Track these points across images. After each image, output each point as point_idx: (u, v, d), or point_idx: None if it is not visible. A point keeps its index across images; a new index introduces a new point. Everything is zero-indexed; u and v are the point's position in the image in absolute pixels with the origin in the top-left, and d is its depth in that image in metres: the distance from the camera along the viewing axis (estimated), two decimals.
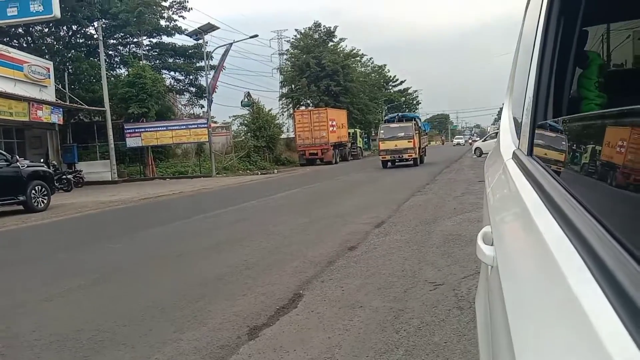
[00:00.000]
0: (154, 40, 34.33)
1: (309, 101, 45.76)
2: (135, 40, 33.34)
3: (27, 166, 13.51)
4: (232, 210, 11.55)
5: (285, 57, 53.05)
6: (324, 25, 46.94)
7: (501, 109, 2.92)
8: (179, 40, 35.18)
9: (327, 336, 3.47)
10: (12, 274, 6.17)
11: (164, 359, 3.27)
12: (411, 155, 24.06)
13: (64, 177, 20.81)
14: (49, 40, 31.45)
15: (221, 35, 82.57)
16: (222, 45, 29.82)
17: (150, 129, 27.49)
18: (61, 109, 23.28)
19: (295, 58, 46.62)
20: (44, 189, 13.62)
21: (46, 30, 30.65)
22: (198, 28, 29.03)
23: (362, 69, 57.07)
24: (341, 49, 47.75)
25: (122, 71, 33.17)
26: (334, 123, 36.08)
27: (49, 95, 23.16)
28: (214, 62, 31.93)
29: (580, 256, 0.60)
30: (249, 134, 35.16)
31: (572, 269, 0.59)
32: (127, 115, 27.45)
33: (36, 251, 7.94)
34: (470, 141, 71.33)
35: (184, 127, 28.39)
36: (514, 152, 1.51)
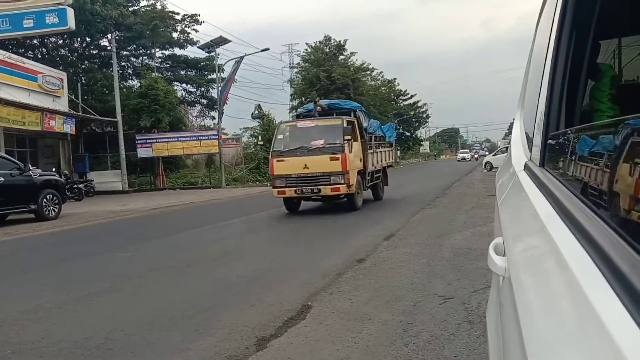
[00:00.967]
0: (167, 53, 34.85)
1: None
2: (148, 52, 33.76)
3: (39, 175, 13.66)
4: (242, 221, 11.57)
5: (295, 70, 53.39)
6: (335, 39, 47.23)
7: (511, 123, 2.91)
8: (191, 52, 35.63)
9: (336, 348, 3.45)
10: (22, 281, 6.20)
11: None
12: (337, 189, 11.39)
13: (75, 186, 21.03)
14: (63, 51, 31.97)
15: (233, 49, 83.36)
16: (234, 58, 30.08)
17: (162, 140, 27.70)
18: (74, 119, 23.56)
19: (306, 71, 46.88)
20: (55, 198, 13.75)
21: (60, 41, 31.14)
22: (210, 41, 29.36)
23: (372, 83, 57.22)
24: (351, 62, 47.94)
25: (135, 82, 33.62)
26: None
27: (62, 105, 23.47)
28: (225, 74, 32.22)
29: (597, 267, 0.58)
30: (259, 145, 35.31)
31: (589, 280, 0.58)
32: (139, 126, 27.70)
33: (47, 259, 7.98)
34: (476, 156, 69.36)
35: (195, 138, 28.59)
36: (525, 163, 1.51)
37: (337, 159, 11.35)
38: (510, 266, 1.06)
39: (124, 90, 30.56)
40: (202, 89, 36.40)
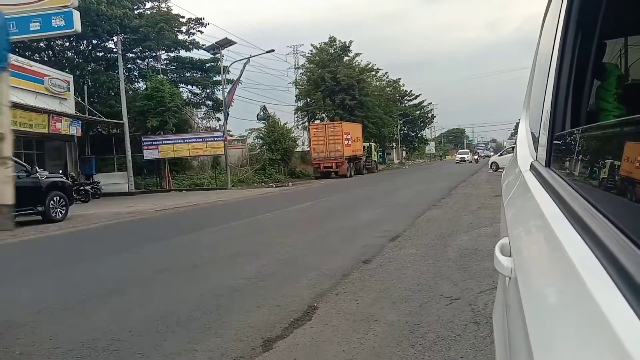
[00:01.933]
0: (172, 55, 34.92)
1: (324, 115, 45.92)
2: (153, 54, 33.90)
3: (46, 177, 13.75)
4: (248, 222, 11.59)
5: (300, 71, 53.46)
6: (339, 40, 47.25)
7: (517, 123, 2.91)
8: (197, 54, 35.76)
9: (342, 349, 3.45)
10: (30, 283, 6.24)
11: None
12: None
13: (82, 188, 21.15)
14: (69, 53, 32.17)
15: (238, 50, 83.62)
16: (239, 60, 30.26)
17: (168, 142, 27.83)
18: (80, 122, 23.69)
19: (311, 72, 46.92)
20: (62, 200, 13.82)
21: (67, 44, 31.34)
22: (215, 43, 29.45)
23: (377, 83, 57.22)
24: (356, 63, 47.94)
25: (141, 85, 33.77)
26: (349, 137, 36.16)
27: (69, 107, 23.61)
28: (231, 76, 32.35)
29: (603, 267, 0.58)
30: (264, 147, 35.40)
31: (595, 281, 0.58)
32: (145, 128, 27.83)
33: (54, 261, 8.03)
34: (476, 157, 59.50)
35: (201, 140, 28.70)
36: (531, 163, 1.51)
37: None
38: (517, 267, 1.05)
39: (130, 92, 30.71)
40: (208, 90, 36.53)
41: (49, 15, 20.52)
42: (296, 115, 49.53)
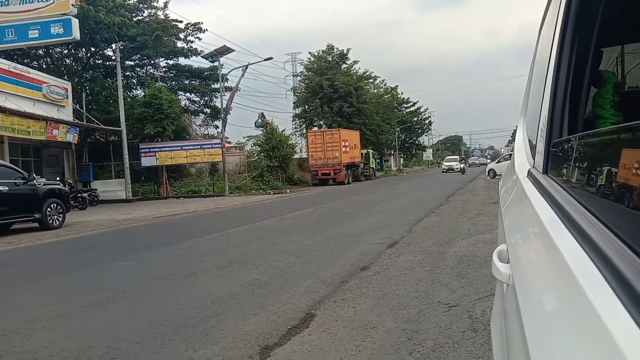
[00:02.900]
0: (171, 62, 35.02)
1: (322, 122, 46.03)
2: (152, 62, 33.97)
3: (44, 184, 13.73)
4: (245, 229, 11.56)
5: (299, 78, 53.61)
6: (337, 48, 47.43)
7: (515, 130, 2.91)
8: (195, 62, 35.85)
9: (340, 357, 3.43)
10: (26, 290, 6.21)
11: None
12: None
13: (79, 195, 21.11)
14: (67, 61, 32.21)
15: (236, 58, 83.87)
16: (237, 68, 30.29)
17: (165, 149, 27.82)
18: (77, 129, 23.68)
19: (309, 80, 47.05)
20: (59, 207, 13.79)
21: (65, 51, 31.36)
22: (214, 50, 29.53)
23: (375, 91, 57.39)
24: (354, 71, 48.11)
25: (139, 92, 33.79)
26: (347, 144, 36.22)
27: (67, 115, 23.61)
28: (229, 83, 32.40)
29: (600, 273, 0.58)
30: (262, 154, 35.41)
31: (593, 287, 0.58)
32: (143, 135, 27.82)
33: (50, 268, 8.00)
34: (463, 166, 46.51)
35: (199, 147, 28.69)
36: (529, 170, 1.51)
37: None
38: (514, 273, 1.05)
39: (128, 99, 30.72)
40: (206, 98, 36.59)
41: (47, 22, 20.62)
42: (294, 123, 49.64)
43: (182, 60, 34.89)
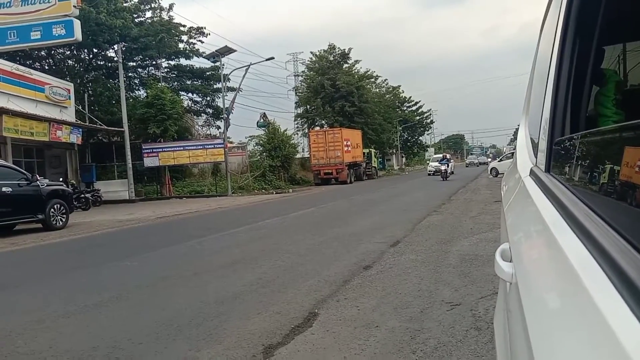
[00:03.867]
0: (173, 63, 35.07)
1: (323, 121, 46.00)
2: (154, 62, 34.01)
3: (47, 185, 13.77)
4: (248, 229, 11.57)
5: (300, 78, 53.60)
6: (339, 47, 47.38)
7: (517, 129, 2.91)
8: (197, 62, 35.86)
9: (343, 356, 3.44)
10: (30, 291, 6.23)
11: None
12: None
13: (83, 196, 21.16)
14: (70, 62, 32.26)
15: (238, 58, 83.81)
16: (239, 68, 30.40)
17: (168, 149, 27.87)
18: (80, 130, 23.73)
19: (310, 79, 47.01)
20: (62, 208, 13.83)
21: (68, 52, 31.42)
22: (216, 51, 29.55)
23: (377, 90, 57.32)
24: (356, 70, 48.07)
25: (141, 92, 33.84)
26: (349, 143, 36.22)
27: (69, 116, 23.66)
28: (231, 84, 32.43)
29: (603, 271, 0.58)
30: (264, 153, 35.45)
31: (596, 285, 0.58)
32: (146, 135, 27.87)
33: (54, 268, 8.02)
34: (444, 169, 31.08)
35: (201, 147, 28.73)
36: (531, 169, 1.51)
37: None
38: (517, 272, 1.05)
39: (131, 100, 30.78)
40: (208, 98, 36.65)
41: (49, 24, 20.66)
42: (296, 122, 49.63)
43: (184, 61, 35.01)
